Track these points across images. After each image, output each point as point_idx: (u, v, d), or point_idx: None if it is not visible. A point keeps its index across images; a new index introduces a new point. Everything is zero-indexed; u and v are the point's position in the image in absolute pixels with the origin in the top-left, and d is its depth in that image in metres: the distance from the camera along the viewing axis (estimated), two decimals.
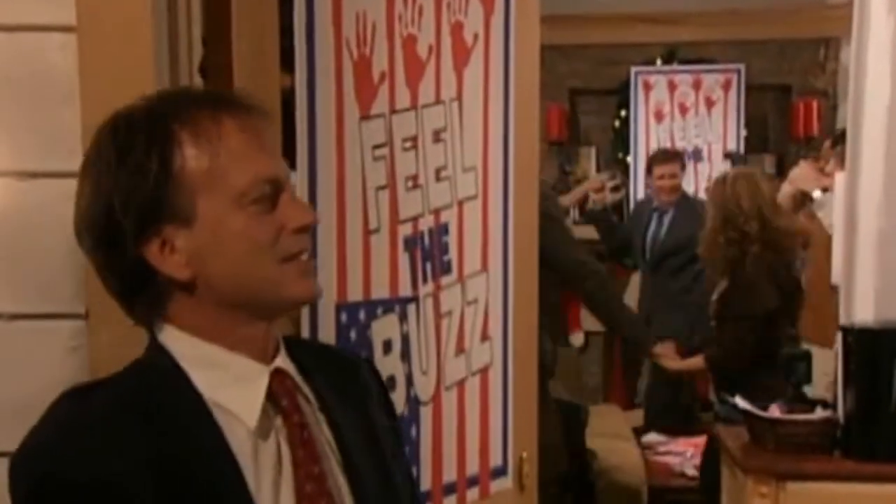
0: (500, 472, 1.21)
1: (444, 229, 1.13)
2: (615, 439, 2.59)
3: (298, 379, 0.66)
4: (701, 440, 2.45)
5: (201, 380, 0.62)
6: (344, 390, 0.69)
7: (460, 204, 1.15)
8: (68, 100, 0.84)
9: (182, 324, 0.63)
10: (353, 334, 0.99)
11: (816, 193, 2.17)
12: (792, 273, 2.20)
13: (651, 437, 2.80)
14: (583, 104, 4.45)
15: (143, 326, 0.66)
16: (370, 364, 0.80)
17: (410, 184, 1.08)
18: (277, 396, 0.64)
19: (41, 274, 0.86)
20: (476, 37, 1.16)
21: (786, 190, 2.23)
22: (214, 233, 0.61)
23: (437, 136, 1.11)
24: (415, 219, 1.09)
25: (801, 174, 2.22)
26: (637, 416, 3.09)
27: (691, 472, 2.49)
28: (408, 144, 1.07)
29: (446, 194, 1.13)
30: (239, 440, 0.61)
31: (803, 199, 2.18)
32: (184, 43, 0.89)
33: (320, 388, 0.67)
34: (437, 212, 1.12)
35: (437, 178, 1.12)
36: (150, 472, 0.58)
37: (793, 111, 4.20)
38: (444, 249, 1.13)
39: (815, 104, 4.12)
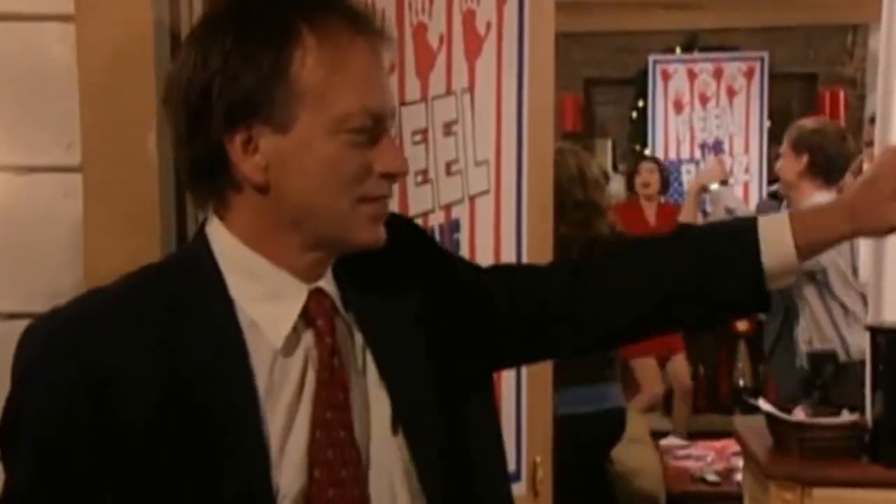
0: (514, 477, 1.18)
1: (455, 226, 1.10)
2: (634, 443, 2.54)
3: (339, 304, 0.62)
4: (721, 444, 2.40)
5: (237, 287, 0.60)
6: (385, 289, 0.64)
7: (472, 199, 1.12)
8: (67, 93, 0.82)
9: (236, 226, 0.60)
10: None
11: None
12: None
13: (670, 441, 2.77)
14: (598, 94, 4.38)
15: (199, 208, 0.64)
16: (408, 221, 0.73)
17: (420, 178, 1.05)
18: (313, 316, 0.60)
19: (40, 272, 0.84)
20: (489, 25, 1.12)
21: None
22: (303, 149, 0.57)
23: (447, 129, 1.08)
24: (425, 215, 1.06)
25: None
26: (655, 420, 3.05)
27: (712, 477, 2.45)
28: (417, 138, 1.04)
29: (457, 189, 1.10)
30: (262, 355, 0.59)
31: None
32: (186, 32, 0.86)
33: (360, 304, 0.63)
34: (447, 207, 1.09)
35: (448, 173, 1.08)
36: (158, 369, 0.56)
37: (819, 101, 4.09)
38: (456, 246, 1.10)
39: (842, 93, 4.02)
